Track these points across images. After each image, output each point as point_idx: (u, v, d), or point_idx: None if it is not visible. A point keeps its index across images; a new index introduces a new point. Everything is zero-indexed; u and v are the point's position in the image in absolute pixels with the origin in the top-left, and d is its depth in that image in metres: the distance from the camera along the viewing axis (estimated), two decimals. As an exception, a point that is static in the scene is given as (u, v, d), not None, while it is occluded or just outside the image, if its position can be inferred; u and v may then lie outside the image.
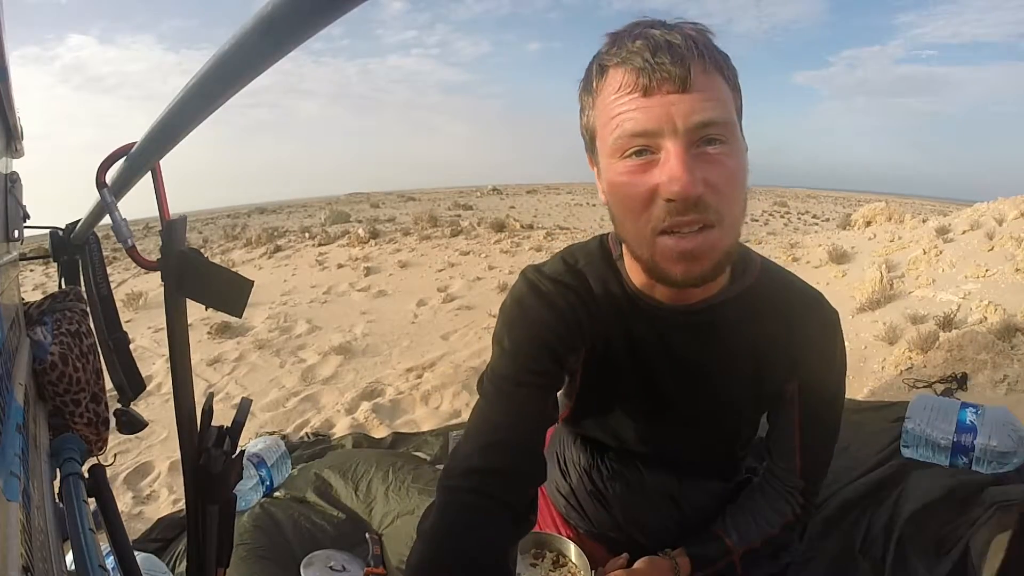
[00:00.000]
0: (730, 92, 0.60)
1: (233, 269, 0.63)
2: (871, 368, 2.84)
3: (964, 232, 4.30)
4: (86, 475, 0.73)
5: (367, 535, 1.53)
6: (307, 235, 8.44)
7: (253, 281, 0.64)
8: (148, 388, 3.30)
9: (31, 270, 7.39)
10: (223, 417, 0.66)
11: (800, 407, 0.78)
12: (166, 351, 0.66)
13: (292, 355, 3.83)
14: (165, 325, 0.64)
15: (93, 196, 0.74)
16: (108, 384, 1.01)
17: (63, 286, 1.15)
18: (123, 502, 2.26)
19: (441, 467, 1.80)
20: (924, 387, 2.43)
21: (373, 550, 1.48)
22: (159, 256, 0.61)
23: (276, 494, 1.69)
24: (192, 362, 0.67)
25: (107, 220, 0.67)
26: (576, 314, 0.72)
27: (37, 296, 1.05)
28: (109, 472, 0.98)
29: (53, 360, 0.87)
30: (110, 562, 0.68)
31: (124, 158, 0.61)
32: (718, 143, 0.58)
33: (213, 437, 0.66)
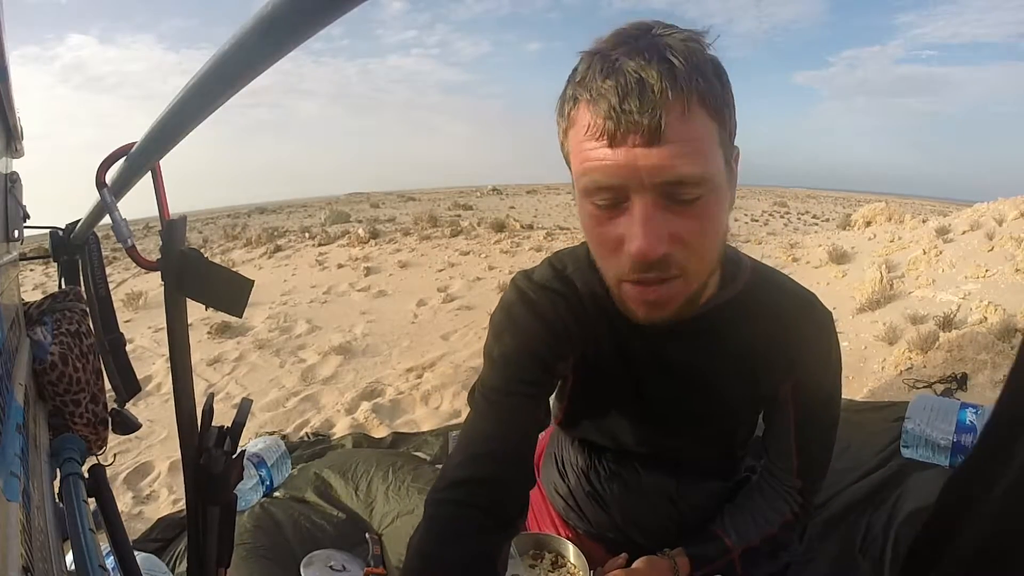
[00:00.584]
0: (715, 129, 0.54)
1: (233, 269, 0.63)
2: (871, 368, 2.84)
3: (964, 232, 4.30)
4: (86, 475, 0.73)
5: (367, 535, 1.53)
6: (307, 235, 8.45)
7: (253, 281, 0.64)
8: (148, 388, 3.30)
9: (31, 270, 7.39)
10: (223, 417, 0.66)
11: (796, 408, 0.78)
12: (166, 351, 0.66)
13: (292, 355, 3.83)
14: (165, 325, 0.64)
15: (93, 196, 0.74)
16: (108, 384, 1.02)
17: (63, 286, 1.15)
18: (123, 502, 2.26)
19: (441, 467, 1.80)
20: (924, 387, 2.43)
21: (373, 550, 1.48)
22: (159, 256, 0.61)
23: (276, 494, 1.69)
24: (192, 362, 0.67)
25: (107, 220, 0.67)
26: (565, 321, 0.71)
27: (37, 296, 1.05)
28: (109, 472, 0.98)
29: (53, 360, 0.87)
30: (110, 562, 0.68)
31: (124, 158, 0.61)
32: (690, 199, 0.53)
33: (213, 437, 0.66)
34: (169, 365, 0.65)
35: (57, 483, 0.71)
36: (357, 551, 1.49)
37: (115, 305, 1.09)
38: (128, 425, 1.04)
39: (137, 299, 5.13)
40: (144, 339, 4.27)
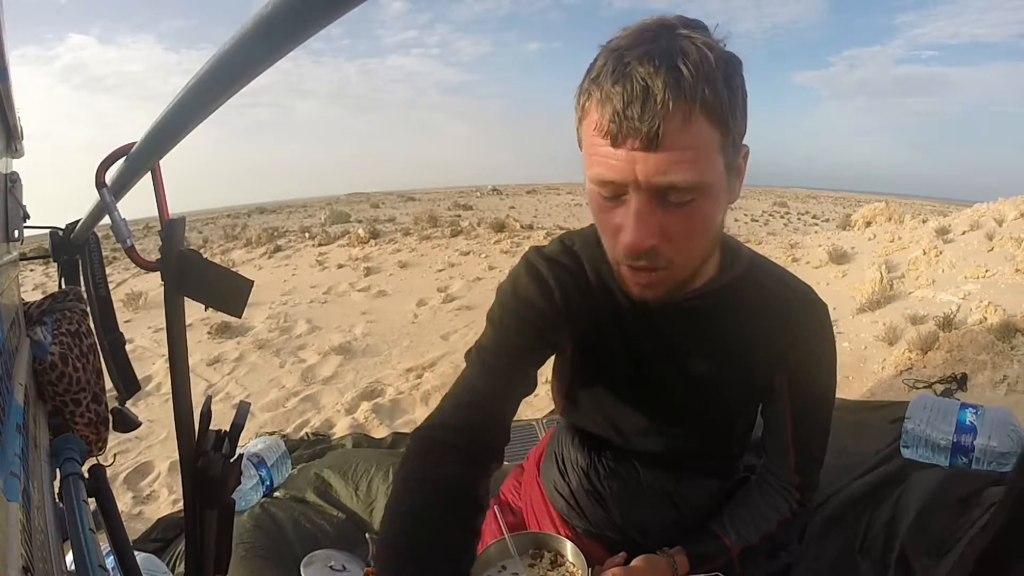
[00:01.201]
0: (716, 137, 0.56)
1: (233, 269, 0.63)
2: (871, 368, 2.84)
3: (964, 232, 4.30)
4: (86, 475, 0.73)
5: (367, 535, 1.53)
6: (307, 235, 8.45)
7: (253, 281, 0.64)
8: (148, 388, 3.30)
9: (31, 270, 7.39)
10: (222, 418, 0.66)
11: (791, 401, 0.78)
12: (166, 351, 0.66)
13: (292, 355, 3.83)
14: (165, 325, 0.64)
15: (93, 196, 0.74)
16: (108, 383, 1.02)
17: (63, 286, 1.15)
18: (123, 502, 2.26)
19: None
20: (924, 387, 2.43)
21: (373, 550, 1.48)
22: (159, 256, 0.61)
23: (276, 494, 1.69)
24: (192, 362, 0.67)
25: (107, 220, 0.67)
26: (567, 293, 0.74)
27: (37, 296, 1.05)
28: (109, 472, 0.98)
29: (53, 360, 0.87)
30: (110, 562, 0.68)
31: (124, 158, 0.61)
32: (683, 202, 0.57)
33: (211, 440, 0.66)
34: (168, 365, 0.65)
35: (57, 483, 0.71)
36: (357, 551, 1.49)
37: (115, 305, 1.09)
38: (128, 423, 1.05)
39: (137, 299, 5.13)
40: (144, 339, 4.27)
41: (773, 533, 0.82)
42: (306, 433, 2.61)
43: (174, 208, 0.62)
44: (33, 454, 0.63)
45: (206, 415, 0.66)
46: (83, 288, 1.11)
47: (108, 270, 1.12)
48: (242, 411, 0.67)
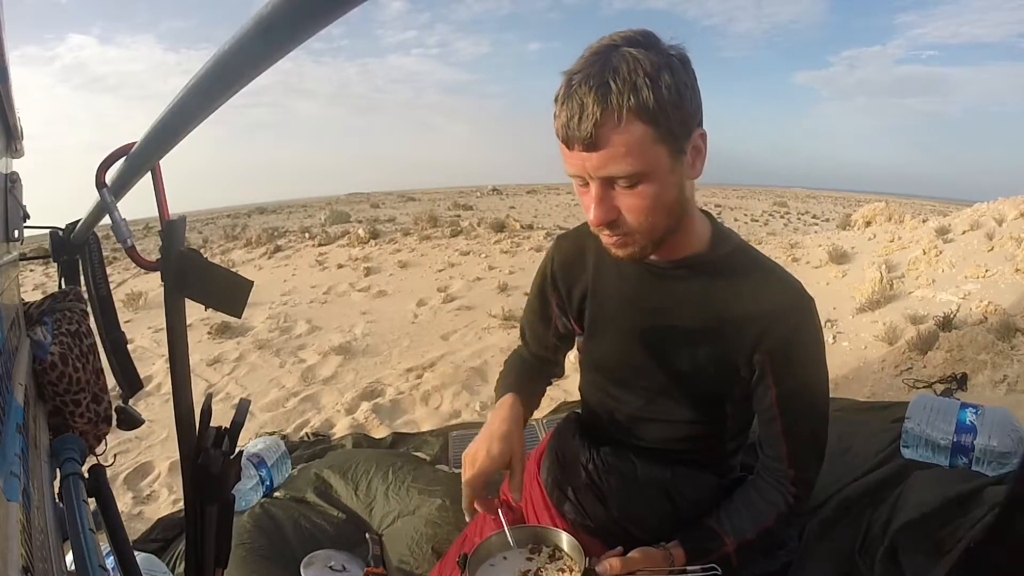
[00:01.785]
0: (649, 132, 0.68)
1: (233, 269, 0.63)
2: (871, 368, 2.84)
3: (964, 232, 4.30)
4: (86, 475, 0.73)
5: (367, 535, 1.53)
6: (307, 235, 8.45)
7: (253, 281, 0.64)
8: (148, 388, 3.30)
9: (31, 270, 7.40)
10: (222, 417, 0.66)
11: (775, 386, 0.81)
12: (166, 351, 0.66)
13: (292, 355, 3.83)
14: (165, 325, 0.64)
15: (93, 196, 0.74)
16: (111, 382, 1.02)
17: (63, 286, 1.15)
18: (123, 502, 2.27)
19: (441, 467, 1.81)
20: (924, 387, 2.43)
21: (373, 550, 1.48)
22: (159, 256, 0.61)
23: (276, 494, 1.69)
24: (192, 362, 0.67)
25: (107, 220, 0.67)
26: (570, 263, 0.94)
27: (37, 296, 1.05)
28: (109, 472, 0.98)
29: (53, 360, 0.87)
30: (110, 562, 0.68)
31: (124, 158, 0.61)
32: (629, 185, 0.71)
33: (212, 437, 0.66)
34: (169, 365, 0.65)
35: (57, 483, 0.71)
36: (357, 551, 1.49)
37: (115, 305, 1.09)
38: (132, 421, 1.05)
39: (137, 299, 5.14)
40: (144, 339, 4.27)
41: (770, 527, 0.83)
42: (306, 433, 2.61)
43: (174, 208, 0.62)
44: (33, 454, 0.63)
45: (206, 412, 0.66)
46: (83, 288, 1.11)
47: (108, 270, 1.12)
48: (242, 408, 0.67)
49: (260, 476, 1.66)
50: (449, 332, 4.03)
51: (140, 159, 0.58)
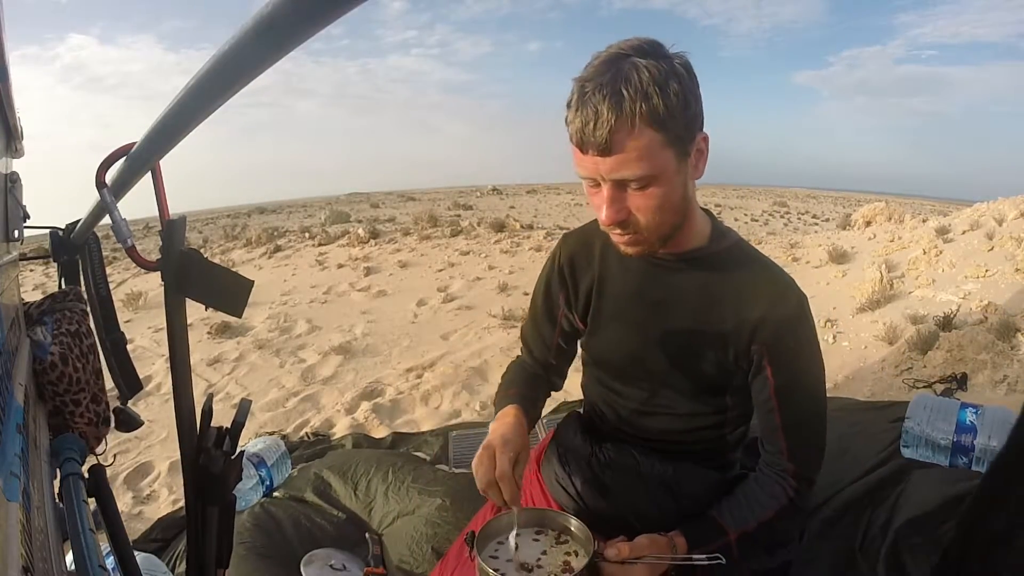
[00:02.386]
0: (659, 138, 0.72)
1: (233, 269, 0.63)
2: (871, 368, 2.84)
3: (964, 232, 4.30)
4: (86, 475, 0.73)
5: (367, 535, 1.53)
6: (307, 235, 8.45)
7: (253, 281, 0.64)
8: (148, 388, 3.30)
9: (31, 270, 7.39)
10: (223, 417, 0.66)
11: (772, 377, 0.84)
12: (166, 351, 0.66)
13: (292, 355, 3.83)
14: (165, 325, 0.64)
15: (93, 196, 0.74)
16: (109, 383, 1.02)
17: (63, 286, 1.15)
18: (123, 502, 2.27)
19: (441, 467, 1.81)
20: (924, 387, 2.43)
21: (373, 550, 1.48)
22: (159, 256, 0.61)
23: (276, 494, 1.69)
24: (192, 362, 0.67)
25: (107, 220, 0.67)
26: (578, 258, 0.97)
27: (37, 296, 1.05)
28: (109, 472, 0.98)
29: (53, 360, 0.87)
30: (110, 562, 0.68)
31: (124, 158, 0.61)
32: (639, 187, 0.75)
33: (212, 438, 0.66)
34: (169, 365, 0.65)
35: (57, 483, 0.71)
36: (357, 551, 1.49)
37: (115, 305, 1.09)
38: (131, 423, 1.05)
39: (137, 299, 5.14)
40: (144, 339, 4.27)
41: (771, 520, 0.85)
42: (306, 433, 2.61)
43: (174, 208, 0.62)
44: (33, 454, 0.63)
45: (207, 413, 0.67)
46: (83, 288, 1.11)
47: (108, 270, 1.12)
48: (243, 408, 0.67)
49: (260, 476, 1.66)
50: (449, 332, 4.03)
51: (140, 159, 0.58)
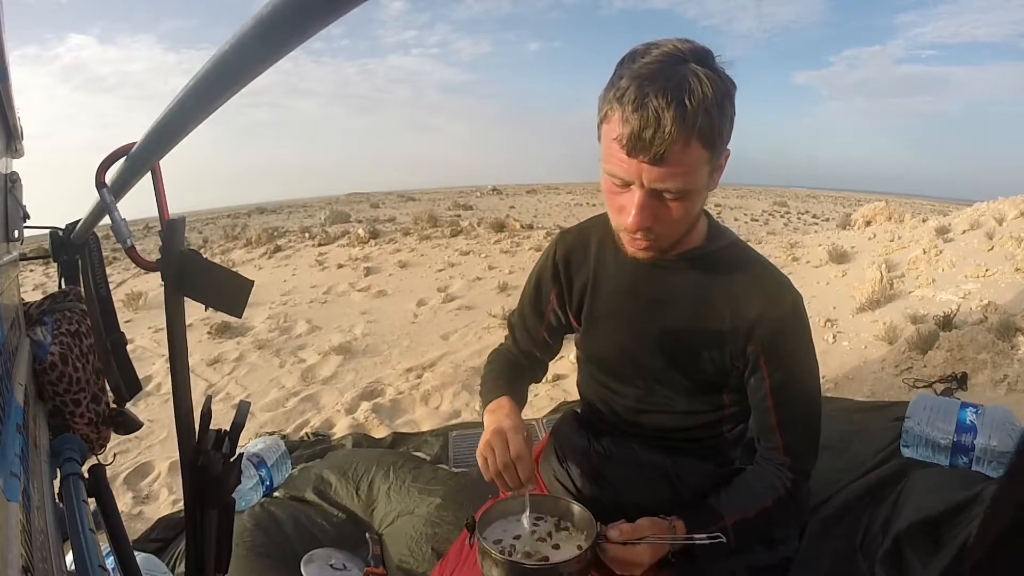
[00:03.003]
0: (706, 156, 0.72)
1: (233, 269, 0.63)
2: (871, 368, 2.84)
3: (964, 232, 4.30)
4: (86, 475, 0.73)
5: (367, 535, 1.53)
6: (307, 235, 8.44)
7: (253, 281, 0.64)
8: (148, 388, 3.30)
9: (31, 270, 7.39)
10: (222, 418, 0.66)
11: (768, 376, 0.84)
12: (166, 351, 0.66)
13: (292, 355, 3.83)
14: (165, 325, 0.64)
15: (93, 196, 0.74)
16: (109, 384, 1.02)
17: (63, 286, 1.15)
18: (123, 502, 2.26)
19: (441, 466, 1.81)
20: (924, 387, 2.43)
21: (373, 550, 1.48)
22: (159, 256, 0.61)
23: (276, 494, 1.69)
24: (192, 362, 0.67)
25: (107, 220, 0.67)
26: (573, 256, 0.97)
27: (37, 296, 1.05)
28: (109, 472, 0.98)
29: (53, 360, 0.87)
30: (110, 562, 0.68)
31: (124, 158, 0.61)
32: (672, 199, 0.75)
33: (212, 440, 0.66)
34: (169, 365, 0.65)
35: (57, 483, 0.71)
36: (357, 551, 1.49)
37: (115, 305, 1.09)
38: (130, 424, 1.05)
39: (137, 299, 5.13)
40: (144, 339, 4.27)
41: (769, 509, 0.85)
42: (306, 433, 2.61)
43: (174, 208, 0.62)
44: (33, 454, 0.63)
45: (206, 414, 0.66)
46: (83, 288, 1.11)
47: (108, 270, 1.12)
48: (242, 410, 0.67)
49: (260, 476, 1.66)
50: (449, 332, 4.03)
51: (140, 159, 0.58)
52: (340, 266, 6.24)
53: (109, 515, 0.70)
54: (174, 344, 0.64)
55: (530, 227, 8.73)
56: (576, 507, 0.84)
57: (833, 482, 1.36)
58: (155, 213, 0.62)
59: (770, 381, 0.84)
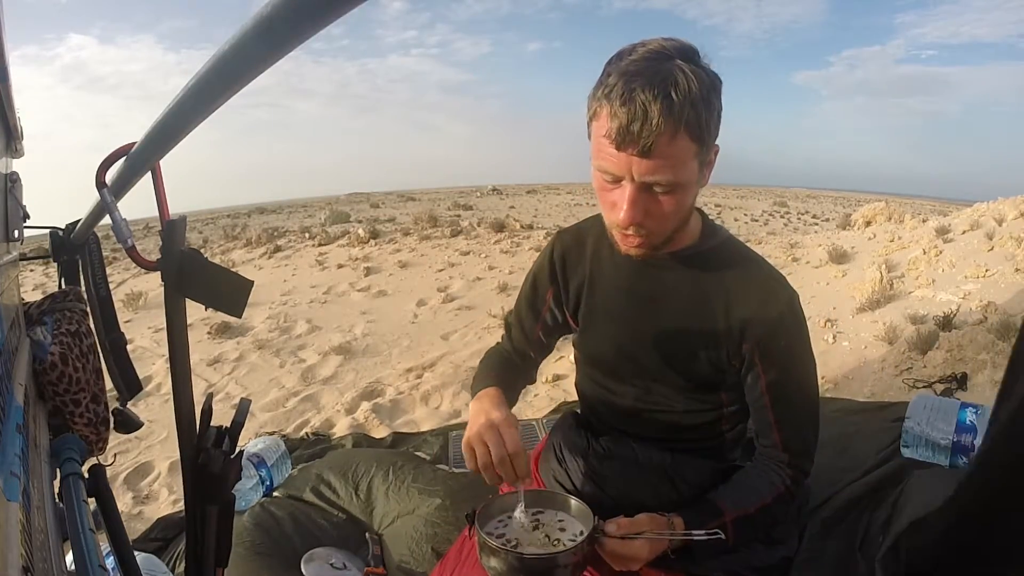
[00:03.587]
0: (694, 148, 0.73)
1: (233, 269, 0.63)
2: (871, 368, 2.84)
3: (964, 232, 4.30)
4: (86, 475, 0.73)
5: (367, 535, 1.53)
6: (307, 235, 8.44)
7: (253, 281, 0.64)
8: (148, 388, 3.30)
9: (31, 270, 7.39)
10: (223, 417, 0.66)
11: (763, 373, 0.85)
12: (166, 351, 0.66)
13: (292, 355, 3.83)
14: (165, 325, 0.64)
15: (93, 196, 0.74)
16: (108, 384, 1.02)
17: (63, 286, 1.15)
18: (123, 502, 2.27)
19: (441, 467, 1.80)
20: (924, 387, 2.43)
21: (373, 550, 1.48)
22: (159, 256, 0.61)
23: (276, 494, 1.69)
24: (192, 362, 0.67)
25: (107, 220, 0.67)
26: (570, 255, 0.98)
27: (37, 296, 1.05)
28: (109, 472, 0.98)
29: (53, 360, 0.87)
30: (110, 562, 0.68)
31: (124, 158, 0.61)
32: (663, 192, 0.76)
33: (212, 437, 0.66)
34: (169, 365, 0.65)
35: (57, 483, 0.71)
36: (357, 551, 1.49)
37: (115, 305, 1.09)
38: (130, 424, 1.05)
39: (137, 299, 5.13)
40: (144, 339, 4.27)
41: (769, 505, 0.86)
42: (306, 433, 2.61)
43: (174, 208, 0.62)
44: (33, 454, 0.63)
45: (207, 412, 0.66)
46: (83, 288, 1.11)
47: (108, 270, 1.12)
48: (243, 408, 0.67)
49: (260, 476, 1.66)
50: (449, 332, 4.03)
51: (140, 159, 0.58)
52: (340, 266, 6.24)
53: (109, 515, 0.70)
54: (174, 344, 0.64)
55: (530, 227, 8.73)
56: (574, 501, 0.84)
57: (833, 482, 1.36)
58: (155, 213, 0.62)
59: (766, 379, 0.85)
